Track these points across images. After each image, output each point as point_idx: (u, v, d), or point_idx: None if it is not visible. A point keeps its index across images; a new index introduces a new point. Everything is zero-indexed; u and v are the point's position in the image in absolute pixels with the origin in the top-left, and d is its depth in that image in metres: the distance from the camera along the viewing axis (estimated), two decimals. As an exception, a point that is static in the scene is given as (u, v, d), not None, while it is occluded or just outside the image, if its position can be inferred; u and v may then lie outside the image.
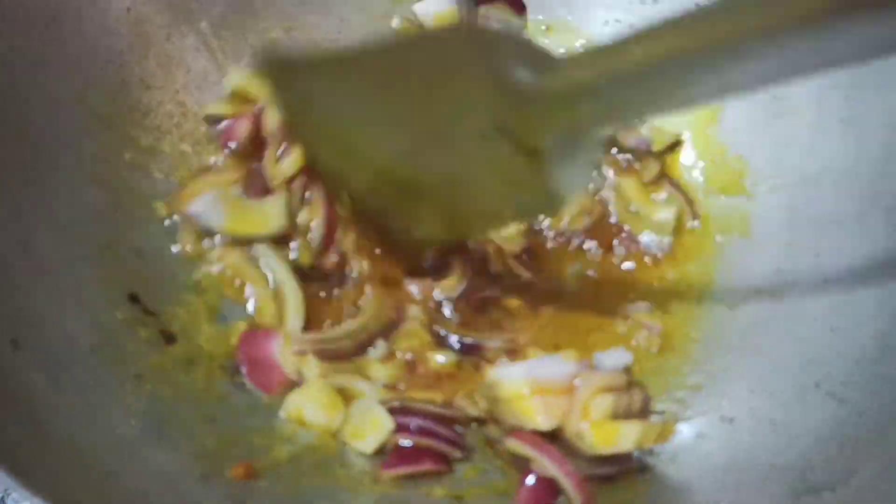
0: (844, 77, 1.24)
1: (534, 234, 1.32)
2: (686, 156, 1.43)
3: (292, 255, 1.23)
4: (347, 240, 1.24)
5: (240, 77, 1.35)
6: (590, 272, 1.32)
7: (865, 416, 1.00)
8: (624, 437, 0.98)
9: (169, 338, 1.14)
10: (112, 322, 1.10)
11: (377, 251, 1.24)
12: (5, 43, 1.11)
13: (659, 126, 1.41)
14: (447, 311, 1.23)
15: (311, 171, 1.24)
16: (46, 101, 1.15)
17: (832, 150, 1.26)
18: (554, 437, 1.01)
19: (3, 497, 0.76)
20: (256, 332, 1.19)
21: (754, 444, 1.06)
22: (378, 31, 1.47)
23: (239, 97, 1.35)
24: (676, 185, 1.39)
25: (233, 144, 1.30)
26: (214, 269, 1.22)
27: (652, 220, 1.35)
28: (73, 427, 0.93)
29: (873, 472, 0.93)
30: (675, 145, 1.42)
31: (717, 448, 1.08)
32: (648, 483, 1.06)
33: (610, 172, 1.38)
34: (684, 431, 1.12)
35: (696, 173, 1.41)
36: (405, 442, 1.08)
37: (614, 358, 1.04)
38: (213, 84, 1.36)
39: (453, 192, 1.10)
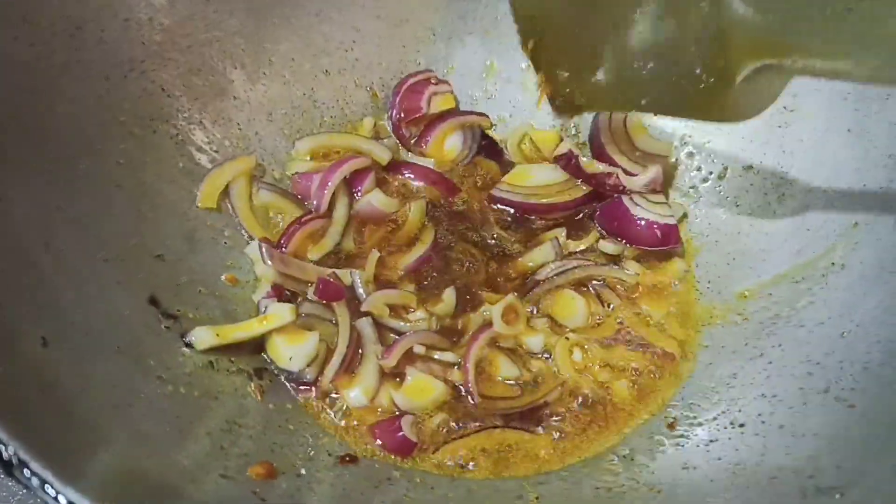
0: (853, 88, 1.27)
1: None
2: (696, 164, 1.46)
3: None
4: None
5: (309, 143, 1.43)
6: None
7: (874, 421, 1.01)
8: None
9: (189, 342, 1.16)
10: (135, 324, 1.11)
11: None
12: (32, 51, 1.13)
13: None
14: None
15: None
16: (70, 106, 1.17)
17: (840, 159, 1.28)
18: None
19: (41, 486, 0.77)
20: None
21: (764, 447, 1.07)
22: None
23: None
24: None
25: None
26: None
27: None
28: (99, 423, 0.94)
29: (882, 475, 0.94)
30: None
31: (728, 452, 1.09)
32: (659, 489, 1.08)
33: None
34: (697, 436, 1.14)
35: (708, 184, 1.44)
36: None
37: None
38: (233, 91, 1.39)
39: (649, 52, 1.16)
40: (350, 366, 1.22)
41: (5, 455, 0.74)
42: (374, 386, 1.21)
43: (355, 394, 1.20)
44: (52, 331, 0.97)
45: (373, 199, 1.37)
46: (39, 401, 0.88)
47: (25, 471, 0.74)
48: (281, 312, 1.21)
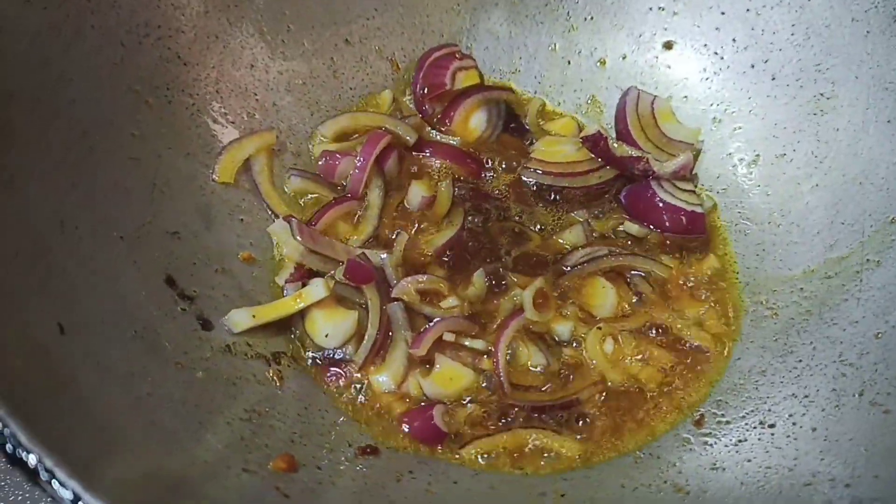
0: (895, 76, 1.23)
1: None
2: (727, 150, 1.42)
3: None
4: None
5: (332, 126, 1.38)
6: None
7: (915, 428, 0.99)
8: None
9: (206, 323, 1.12)
10: (150, 308, 1.07)
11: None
12: (44, 15, 1.07)
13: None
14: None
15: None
16: (85, 77, 1.11)
17: (877, 152, 1.25)
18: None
19: (48, 480, 0.74)
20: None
21: (796, 450, 1.04)
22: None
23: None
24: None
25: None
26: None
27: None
28: (115, 414, 0.91)
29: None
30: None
31: (758, 454, 1.07)
32: (687, 489, 1.05)
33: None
34: (725, 436, 1.12)
35: (739, 170, 1.40)
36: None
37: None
38: (251, 60, 1.34)
39: None
40: (380, 351, 1.19)
41: (30, 462, 0.70)
42: (403, 372, 1.18)
43: (384, 379, 1.17)
44: (67, 317, 0.93)
45: (418, 192, 1.34)
46: (58, 400, 0.84)
47: (53, 481, 0.70)
48: (315, 288, 1.18)
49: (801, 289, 1.25)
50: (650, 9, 1.47)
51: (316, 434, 1.09)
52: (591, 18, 1.49)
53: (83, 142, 1.09)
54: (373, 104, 1.46)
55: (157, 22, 1.22)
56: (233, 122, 1.31)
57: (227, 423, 1.02)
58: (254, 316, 1.15)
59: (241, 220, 1.27)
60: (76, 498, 0.72)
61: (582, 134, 1.42)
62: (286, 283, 1.22)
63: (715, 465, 1.08)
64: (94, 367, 0.92)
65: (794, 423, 1.09)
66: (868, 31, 1.28)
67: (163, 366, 1.02)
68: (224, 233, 1.24)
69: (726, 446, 1.10)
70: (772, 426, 1.10)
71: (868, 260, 1.19)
